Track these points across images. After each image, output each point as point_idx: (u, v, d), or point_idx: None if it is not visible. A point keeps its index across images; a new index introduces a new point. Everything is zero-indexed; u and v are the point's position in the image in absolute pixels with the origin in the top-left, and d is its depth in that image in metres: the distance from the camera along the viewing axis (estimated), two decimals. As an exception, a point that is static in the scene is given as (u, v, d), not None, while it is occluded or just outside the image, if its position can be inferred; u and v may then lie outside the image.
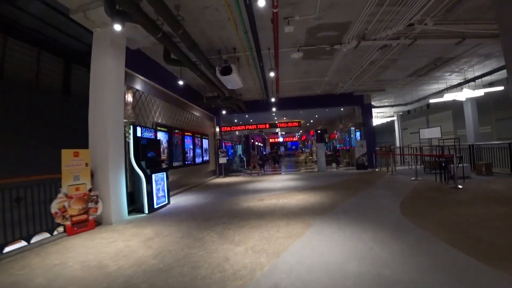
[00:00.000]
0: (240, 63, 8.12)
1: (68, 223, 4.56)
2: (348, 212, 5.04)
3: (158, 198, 6.38)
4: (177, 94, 9.13)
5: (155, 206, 6.21)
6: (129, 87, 6.49)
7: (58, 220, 4.47)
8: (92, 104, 5.27)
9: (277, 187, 8.86)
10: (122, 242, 3.98)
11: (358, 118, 14.27)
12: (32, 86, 8.24)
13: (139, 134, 6.33)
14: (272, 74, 7.96)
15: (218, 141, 13.89)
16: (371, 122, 14.02)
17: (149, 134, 6.80)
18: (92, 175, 5.22)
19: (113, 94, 5.35)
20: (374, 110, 15.44)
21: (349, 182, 9.32)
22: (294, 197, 6.93)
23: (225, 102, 10.76)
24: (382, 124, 22.05)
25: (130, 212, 6.02)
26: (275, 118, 16.62)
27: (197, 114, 11.39)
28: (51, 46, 8.41)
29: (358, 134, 14.79)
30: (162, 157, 7.73)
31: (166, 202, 6.78)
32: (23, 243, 4.14)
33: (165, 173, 6.84)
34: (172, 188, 8.41)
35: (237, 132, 14.63)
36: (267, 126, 14.88)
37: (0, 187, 3.95)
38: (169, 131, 8.48)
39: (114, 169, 5.30)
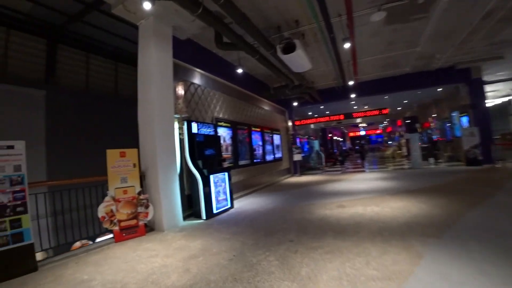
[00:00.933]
0: (306, 40, 6.74)
1: (116, 228, 4.24)
2: (481, 236, 3.15)
3: (218, 202, 5.66)
4: (240, 86, 8.40)
5: (215, 211, 5.51)
6: (182, 80, 5.97)
7: (106, 225, 4.19)
8: (140, 101, 4.90)
9: (362, 189, 7.10)
10: (161, 259, 3.28)
11: (464, 99, 10.78)
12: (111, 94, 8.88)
13: (195, 130, 5.75)
14: (347, 45, 6.27)
15: (291, 137, 12.73)
16: (484, 103, 10.35)
17: (207, 130, 6.18)
18: (143, 177, 4.85)
19: (160, 88, 4.85)
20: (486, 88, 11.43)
21: (462, 184, 6.77)
22: (387, 204, 5.17)
23: (294, 91, 9.51)
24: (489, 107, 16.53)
25: (188, 217, 5.49)
26: (355, 107, 14.31)
27: (265, 107, 10.51)
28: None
29: (464, 119, 11.24)
30: (224, 155, 7.08)
31: (229, 206, 6.02)
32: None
33: (226, 173, 6.10)
34: (239, 190, 7.70)
35: (312, 126, 13.13)
36: (341, 117, 12.70)
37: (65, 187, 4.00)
38: (233, 126, 7.80)
39: (164, 170, 4.78)
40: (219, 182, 5.83)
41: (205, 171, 5.48)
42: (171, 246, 3.79)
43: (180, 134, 5.60)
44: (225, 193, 5.97)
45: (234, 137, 7.74)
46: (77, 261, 3.48)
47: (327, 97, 11.84)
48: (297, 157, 12.09)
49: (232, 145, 7.60)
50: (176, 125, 5.53)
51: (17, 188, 3.37)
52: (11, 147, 3.39)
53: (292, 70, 7.12)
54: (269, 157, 10.25)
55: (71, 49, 8.88)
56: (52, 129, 8.11)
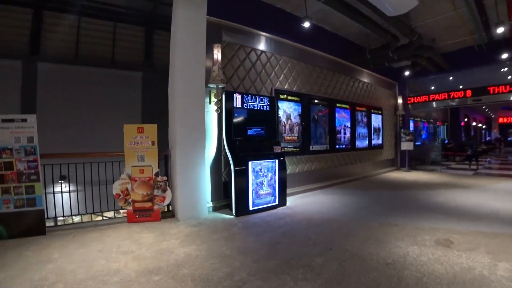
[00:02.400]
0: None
1: (130, 208, 3.91)
2: None
3: (257, 196, 4.45)
4: (320, 49, 6.50)
5: (251, 208, 4.35)
6: (222, 41, 4.86)
7: (121, 203, 3.93)
8: (170, 69, 4.17)
9: (501, 213, 4.15)
10: (124, 262, 2.57)
11: None
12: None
13: (238, 104, 4.63)
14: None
15: (401, 118, 9.62)
16: None
17: (258, 104, 4.93)
18: (168, 158, 4.22)
19: (185, 51, 4.01)
20: None
21: None
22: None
23: (402, 54, 6.75)
24: None
25: (222, 208, 4.57)
26: (509, 77, 9.03)
27: (360, 78, 8.06)
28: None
29: None
30: (286, 137, 5.65)
31: (276, 203, 4.70)
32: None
33: (276, 160, 4.74)
34: (307, 182, 6.16)
35: (434, 105, 9.40)
36: (468, 93, 7.97)
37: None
38: (304, 101, 6.13)
39: (185, 151, 4.00)
40: (263, 172, 4.57)
41: (241, 155, 4.33)
42: (160, 244, 3.04)
43: (217, 108, 4.62)
44: (271, 186, 4.66)
45: (304, 115, 6.11)
46: (76, 234, 3.37)
47: (458, 63, 8.02)
48: (407, 145, 9.01)
49: (300, 125, 6.02)
50: (213, 98, 4.57)
51: (31, 158, 3.47)
52: (25, 120, 3.50)
53: (387, 13, 4.70)
54: (361, 143, 7.93)
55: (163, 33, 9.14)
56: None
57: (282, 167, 4.84)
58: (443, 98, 8.81)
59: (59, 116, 7.10)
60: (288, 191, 5.55)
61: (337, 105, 7.06)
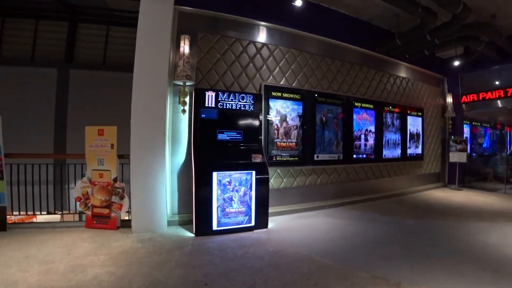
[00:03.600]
0: None
1: (89, 213, 3.73)
2: None
3: (224, 214, 3.56)
4: (329, 36, 5.29)
5: (216, 228, 3.52)
6: (198, 33, 4.14)
7: (81, 207, 3.78)
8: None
9: None
10: (39, 275, 2.35)
11: None
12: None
13: (210, 103, 3.86)
14: None
15: (450, 122, 7.66)
16: None
17: (240, 103, 4.08)
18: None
19: (148, 44, 3.64)
20: None
21: None
22: None
23: (444, 36, 5.14)
24: None
25: (190, 223, 3.74)
26: None
27: (397, 73, 6.50)
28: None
29: None
30: (280, 143, 4.60)
31: (251, 224, 3.72)
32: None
33: (253, 172, 3.76)
34: (313, 199, 5.02)
35: (499, 104, 7.18)
36: None
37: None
38: (307, 99, 4.96)
39: (140, 156, 3.53)
40: (234, 185, 3.64)
41: (204, 163, 3.50)
42: (84, 258, 2.73)
43: (183, 108, 3.94)
44: (245, 203, 3.71)
45: (307, 116, 4.96)
46: (26, 235, 3.33)
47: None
48: (458, 156, 7.03)
49: (301, 128, 4.89)
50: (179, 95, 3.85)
51: (-5, 157, 3.55)
52: (-10, 121, 3.55)
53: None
54: (391, 152, 6.35)
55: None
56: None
57: (261, 180, 3.84)
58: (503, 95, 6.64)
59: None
60: (280, 209, 4.57)
61: (356, 104, 5.71)
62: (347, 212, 4.81)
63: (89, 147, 3.72)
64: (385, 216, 4.58)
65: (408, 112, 6.75)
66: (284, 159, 4.69)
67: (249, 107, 4.18)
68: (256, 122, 4.20)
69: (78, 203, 3.77)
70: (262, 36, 4.72)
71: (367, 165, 5.86)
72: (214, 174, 3.55)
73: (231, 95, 4.10)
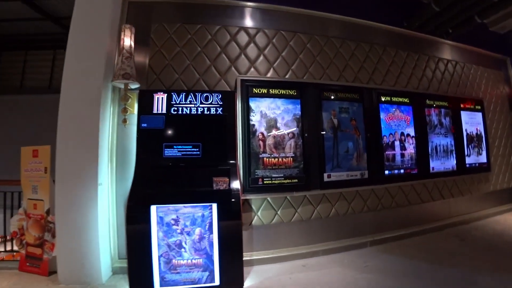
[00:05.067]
0: None
1: (23, 252, 2.98)
2: None
3: (170, 268, 2.29)
4: (333, 9, 3.88)
5: (159, 286, 2.21)
6: (151, 24, 3.12)
7: (16, 244, 3.10)
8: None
9: None
10: None
11: None
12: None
13: (160, 108, 2.80)
14: None
15: (525, 117, 5.57)
16: None
17: (202, 106, 2.91)
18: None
19: (80, 39, 2.83)
20: None
21: None
22: None
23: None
24: None
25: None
26: None
27: (443, 55, 4.73)
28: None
29: None
30: (271, 159, 3.20)
31: (215, 284, 2.34)
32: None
33: (213, 205, 2.41)
34: (326, 237, 3.49)
35: None
36: None
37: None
38: (307, 95, 3.50)
39: (64, 183, 2.62)
40: (184, 225, 2.35)
41: (137, 193, 2.30)
42: None
43: (124, 118, 2.83)
44: (203, 252, 2.36)
45: (309, 118, 3.50)
46: None
47: None
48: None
49: (300, 137, 3.44)
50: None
51: None
52: None
53: None
54: (442, 164, 4.50)
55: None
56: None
57: (229, 217, 2.46)
58: None
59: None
60: (272, 254, 3.14)
61: (382, 99, 4.10)
62: (378, 257, 3.17)
63: (24, 172, 3.05)
64: (441, 265, 2.86)
65: (462, 106, 4.90)
66: (277, 181, 3.25)
67: (216, 111, 2.92)
68: (226, 130, 2.90)
69: (14, 239, 3.14)
70: (237, 18, 3.49)
71: (407, 184, 4.13)
72: (153, 208, 2.30)
73: (190, 96, 2.90)
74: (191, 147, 2.76)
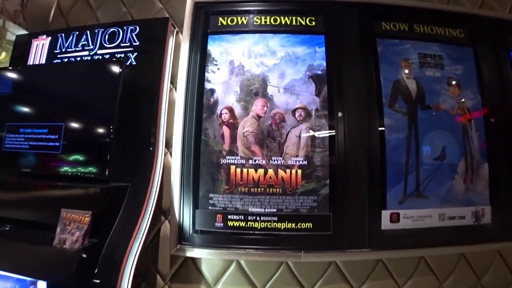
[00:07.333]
0: None
1: None
2: None
3: None
4: None
5: None
6: None
7: None
8: None
9: None
10: None
11: None
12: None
13: (37, 61, 1.44)
14: None
15: None
16: None
17: (96, 53, 1.32)
18: None
19: None
20: None
21: None
22: None
23: None
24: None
25: None
26: None
27: None
28: None
29: None
30: (248, 169, 1.35)
31: None
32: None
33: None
34: None
35: None
36: None
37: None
38: (339, 28, 1.50)
39: None
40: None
41: None
42: None
43: None
44: None
45: (343, 79, 1.51)
46: None
47: None
48: None
49: (324, 118, 1.48)
50: None
51: None
52: None
53: None
54: None
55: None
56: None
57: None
58: None
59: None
60: None
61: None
62: None
63: None
64: None
65: None
66: (260, 224, 1.37)
67: (126, 60, 1.23)
68: (132, 102, 1.20)
69: None
70: None
71: None
72: None
73: (84, 36, 1.32)
74: (46, 131, 1.15)
